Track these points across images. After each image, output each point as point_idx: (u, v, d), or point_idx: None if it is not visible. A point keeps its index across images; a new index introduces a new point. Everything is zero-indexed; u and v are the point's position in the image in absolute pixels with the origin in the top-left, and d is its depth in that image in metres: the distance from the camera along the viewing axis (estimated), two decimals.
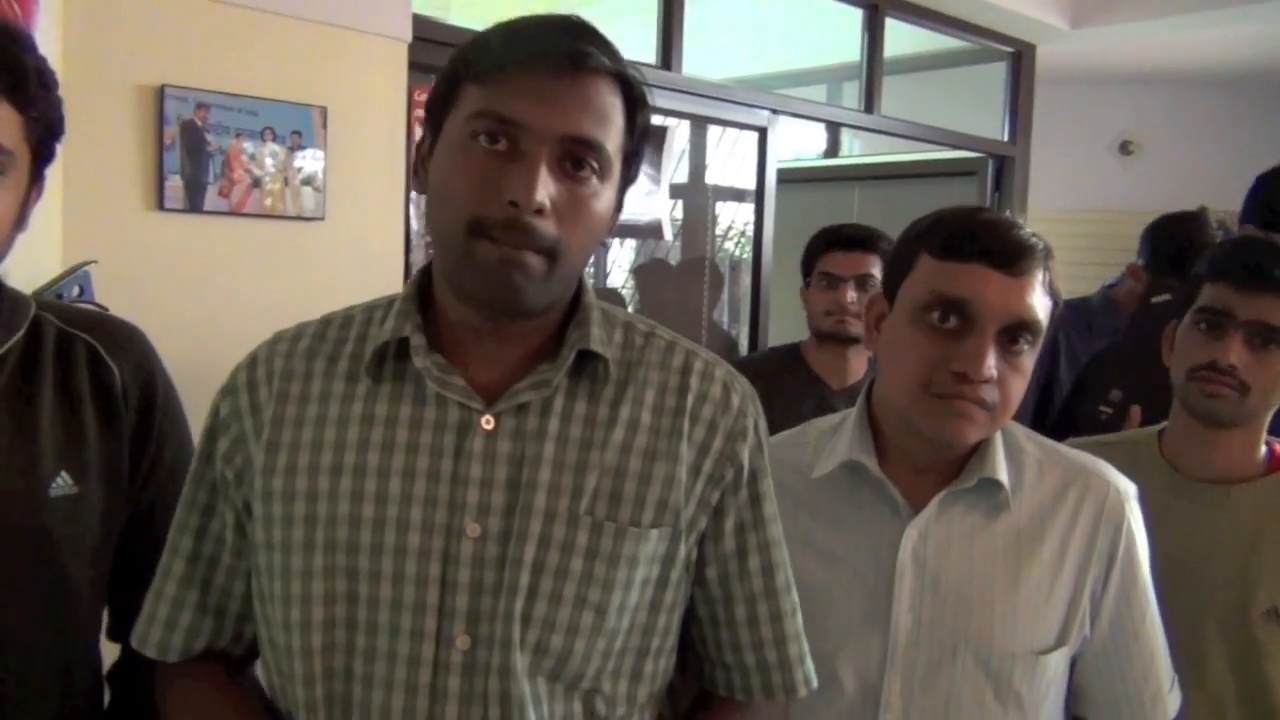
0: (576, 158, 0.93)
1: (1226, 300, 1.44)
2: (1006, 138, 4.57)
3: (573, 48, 0.92)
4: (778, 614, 1.07)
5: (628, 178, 1.01)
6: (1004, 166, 4.57)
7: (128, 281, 1.95)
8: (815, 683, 1.10)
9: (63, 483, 1.13)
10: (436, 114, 0.97)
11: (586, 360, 1.00)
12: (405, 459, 0.97)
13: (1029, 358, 1.20)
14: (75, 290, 1.79)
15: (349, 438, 0.98)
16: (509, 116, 0.91)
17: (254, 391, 1.03)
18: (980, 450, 1.25)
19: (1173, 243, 2.61)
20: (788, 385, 2.27)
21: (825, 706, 1.21)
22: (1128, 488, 1.29)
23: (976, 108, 4.76)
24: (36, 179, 1.14)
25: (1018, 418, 2.45)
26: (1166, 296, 2.13)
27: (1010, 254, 1.16)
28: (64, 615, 1.17)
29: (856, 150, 5.92)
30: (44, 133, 1.12)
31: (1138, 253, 2.80)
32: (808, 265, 2.41)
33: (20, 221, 1.13)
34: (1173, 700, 1.30)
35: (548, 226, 0.92)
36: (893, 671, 1.21)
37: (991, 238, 1.17)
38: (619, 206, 1.01)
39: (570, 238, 0.94)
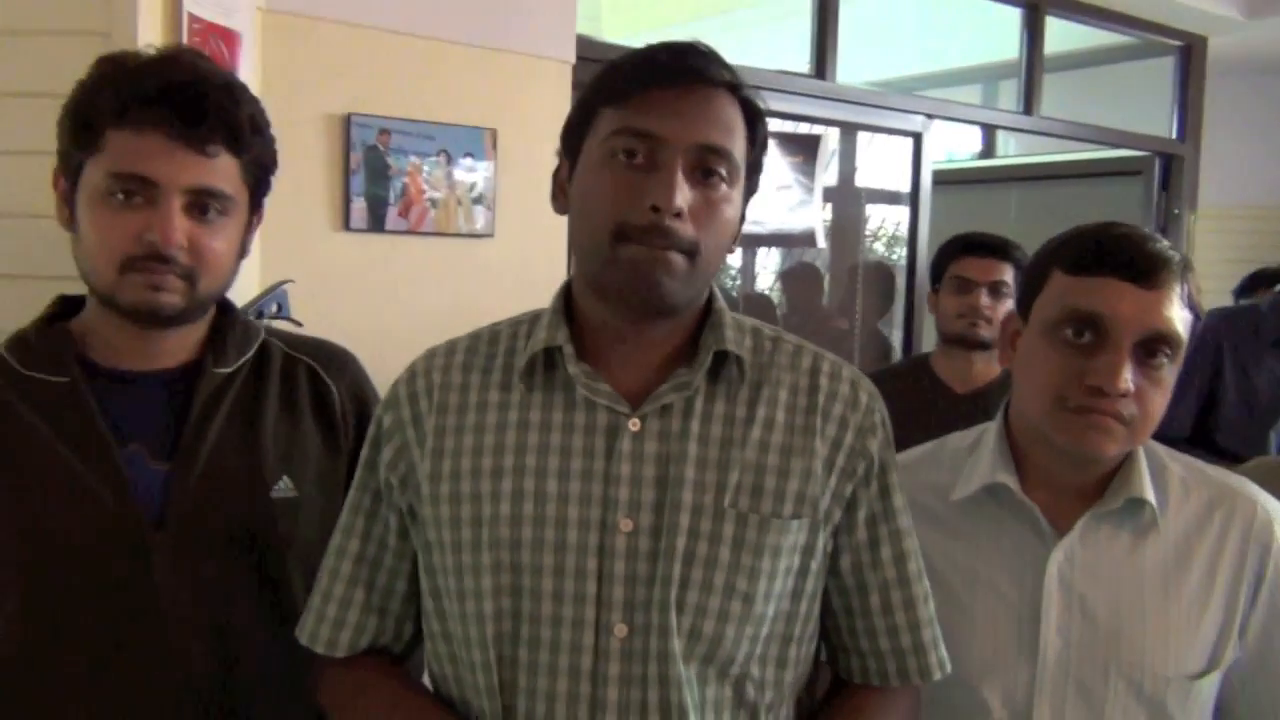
0: (707, 166, 1.00)
1: None
2: (1175, 135, 4.39)
3: (697, 66, 1.00)
4: (910, 600, 1.11)
5: (751, 188, 1.08)
6: (1171, 165, 4.40)
7: (318, 298, 2.09)
8: (949, 667, 1.13)
9: (284, 487, 1.24)
10: (573, 140, 1.05)
11: (722, 362, 1.06)
12: (560, 460, 1.03)
13: (1169, 372, 1.18)
14: (274, 307, 1.94)
15: (507, 442, 1.05)
16: (645, 130, 0.98)
17: (415, 404, 1.11)
18: (1124, 469, 1.24)
19: None
20: (911, 390, 2.26)
21: None
22: (1276, 507, 1.26)
23: (1142, 104, 4.59)
24: (255, 209, 1.26)
25: (1175, 428, 2.35)
26: None
27: (1145, 267, 1.16)
28: (285, 615, 1.28)
29: (1013, 149, 5.77)
30: (260, 171, 1.23)
31: None
32: (938, 270, 2.40)
33: (242, 253, 1.25)
34: None
35: (686, 228, 0.99)
36: (1042, 697, 1.20)
37: (1124, 251, 1.17)
38: (743, 216, 1.08)
39: (706, 239, 1.00)
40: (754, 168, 1.08)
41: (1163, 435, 2.09)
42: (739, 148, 1.03)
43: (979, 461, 1.28)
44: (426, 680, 1.17)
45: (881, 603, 1.11)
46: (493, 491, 1.05)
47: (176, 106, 1.13)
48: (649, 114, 0.99)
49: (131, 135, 1.13)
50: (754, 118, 1.06)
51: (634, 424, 1.04)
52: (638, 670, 1.01)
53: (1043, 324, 1.22)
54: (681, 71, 1.00)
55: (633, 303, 1.02)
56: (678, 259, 0.99)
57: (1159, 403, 1.19)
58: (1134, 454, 1.25)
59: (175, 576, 1.17)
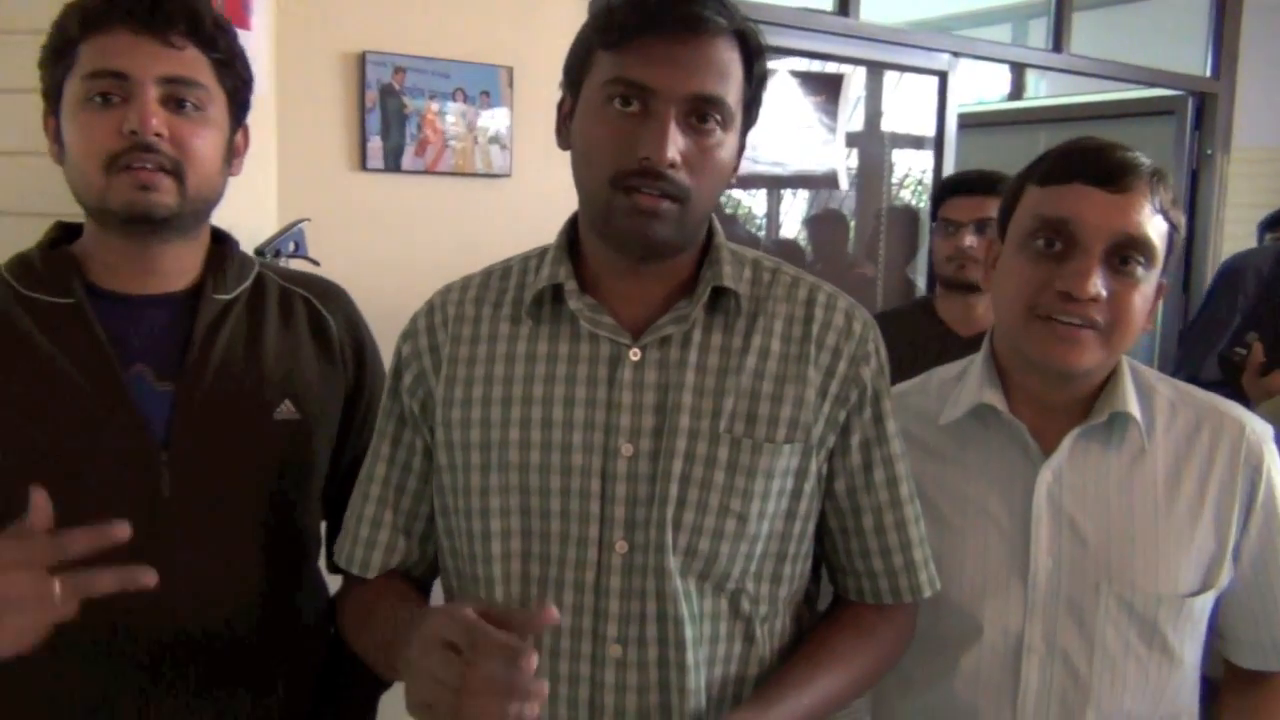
0: (701, 113, 1.04)
1: None
2: (1209, 73, 4.29)
3: (690, 12, 1.02)
4: (902, 522, 1.16)
5: (749, 122, 1.11)
6: (1205, 104, 4.30)
7: (335, 236, 2.09)
8: (939, 585, 1.18)
9: (287, 409, 1.27)
10: (574, 77, 1.09)
11: (720, 296, 1.12)
12: (565, 389, 1.10)
13: (1147, 280, 1.18)
14: (291, 246, 1.95)
15: (515, 373, 1.11)
16: (639, 81, 1.02)
17: (432, 334, 1.17)
18: (1109, 385, 1.24)
19: None
20: (915, 332, 2.24)
21: (969, 654, 1.24)
22: (1265, 429, 1.26)
23: (1176, 41, 4.49)
24: (238, 126, 1.26)
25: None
26: None
27: (1112, 171, 1.16)
28: (288, 539, 1.30)
29: (1043, 91, 5.67)
30: (235, 80, 1.24)
31: None
32: (934, 212, 2.38)
33: (229, 163, 1.26)
34: None
35: (680, 176, 1.04)
36: (1034, 616, 1.22)
37: (1092, 157, 1.18)
38: (742, 149, 1.11)
39: (699, 184, 1.05)
40: (752, 104, 1.10)
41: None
42: (734, 92, 1.06)
43: (966, 386, 1.30)
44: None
45: (874, 524, 1.16)
46: (503, 418, 1.11)
47: (137, 3, 1.17)
48: (643, 65, 1.02)
49: (99, 38, 1.17)
50: (752, 55, 1.08)
51: (635, 354, 1.10)
52: (637, 584, 1.08)
53: (1016, 238, 1.23)
54: (675, 20, 1.02)
55: (629, 246, 1.08)
56: (670, 207, 1.04)
57: (1136, 310, 1.18)
58: (1119, 371, 1.25)
59: (184, 494, 1.21)
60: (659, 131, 1.02)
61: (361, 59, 2.12)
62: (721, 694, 1.11)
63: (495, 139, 2.31)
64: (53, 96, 1.21)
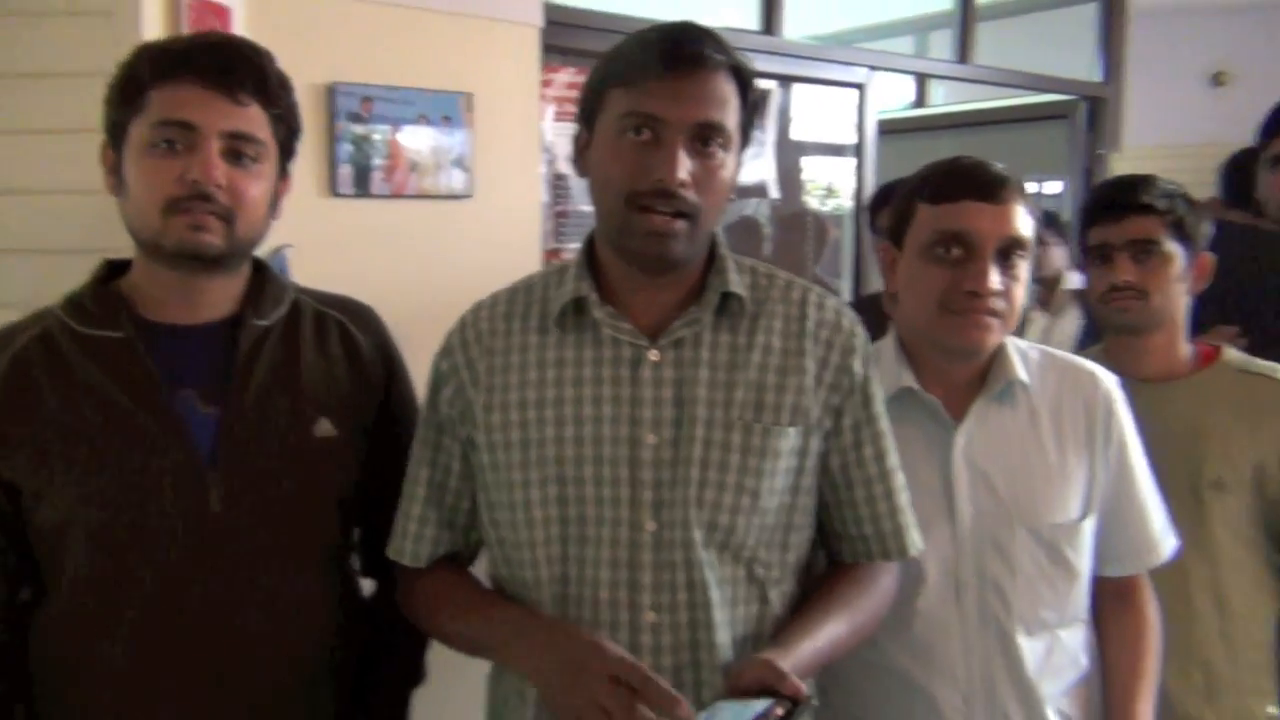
0: (705, 138, 1.18)
1: (1104, 235, 1.72)
2: (1100, 78, 4.59)
3: (693, 51, 1.17)
4: (890, 491, 1.33)
5: (744, 143, 1.26)
6: (1096, 107, 4.60)
7: (312, 261, 2.16)
8: (923, 545, 1.36)
9: (324, 427, 1.36)
10: (589, 113, 1.23)
11: (726, 300, 1.26)
12: (593, 389, 1.23)
13: (1025, 269, 1.43)
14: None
15: (547, 378, 1.25)
16: (650, 113, 1.17)
17: (467, 350, 1.30)
18: (998, 360, 1.49)
19: (1236, 176, 2.66)
20: (878, 330, 2.42)
21: (917, 594, 1.44)
22: (1110, 378, 1.53)
23: (1069, 49, 4.78)
24: (283, 173, 1.36)
25: None
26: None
27: (992, 187, 1.40)
28: (328, 546, 1.40)
29: (941, 98, 5.96)
30: (286, 132, 1.34)
31: (1217, 186, 2.87)
32: (872, 221, 2.57)
33: (273, 209, 1.36)
34: (1166, 545, 1.56)
35: (689, 195, 1.17)
36: (964, 554, 1.45)
37: (974, 176, 1.42)
38: (739, 166, 1.25)
39: (706, 201, 1.19)
40: (747, 127, 1.25)
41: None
42: (733, 118, 1.21)
43: (882, 373, 1.48)
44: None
45: (866, 495, 1.32)
46: (538, 419, 1.24)
47: (210, 61, 1.25)
48: (653, 98, 1.17)
49: (171, 88, 1.25)
50: (746, 85, 1.22)
51: (654, 355, 1.23)
52: (666, 556, 1.21)
53: (918, 248, 1.46)
54: (680, 59, 1.17)
55: (646, 263, 1.22)
56: (681, 224, 1.18)
57: (1021, 295, 1.44)
58: (1003, 347, 1.50)
59: (231, 510, 1.29)
60: (670, 156, 1.16)
61: (331, 90, 2.21)
62: (741, 650, 1.24)
63: (457, 162, 2.41)
64: (116, 133, 1.28)
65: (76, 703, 1.29)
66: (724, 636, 1.23)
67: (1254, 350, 1.83)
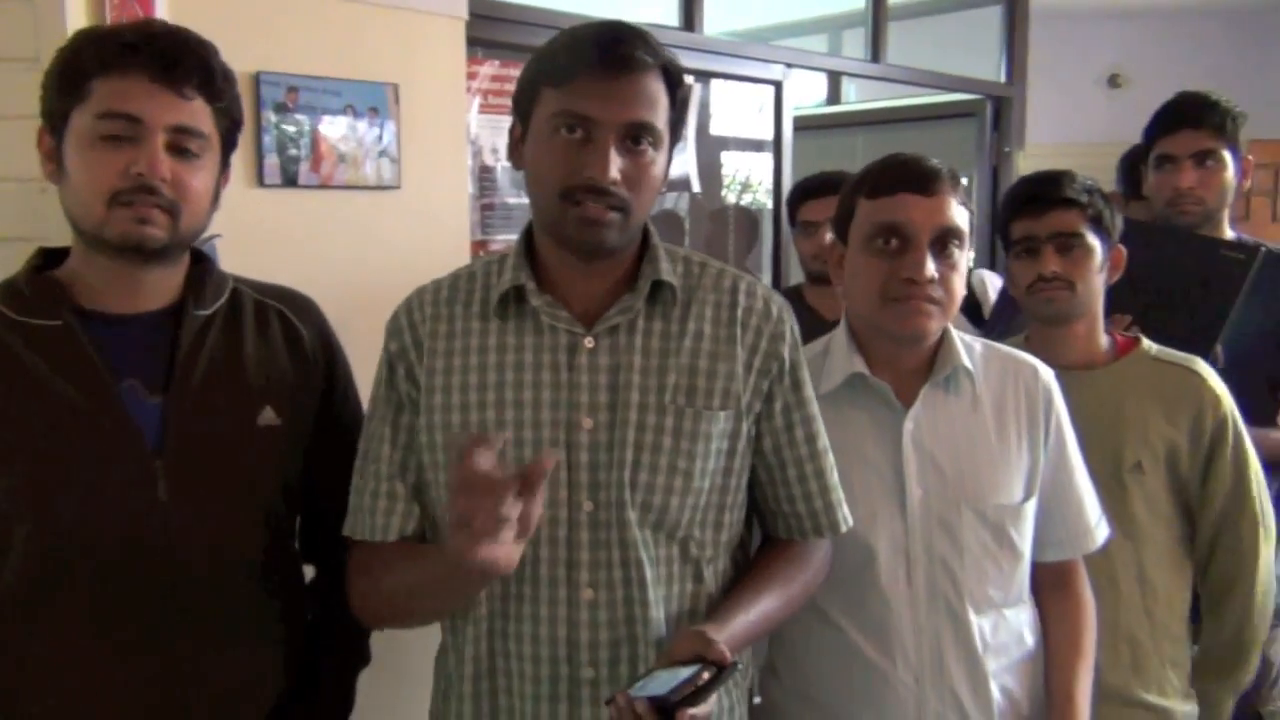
0: (635, 136, 1.23)
1: (1029, 228, 1.80)
2: (1004, 78, 4.76)
3: (623, 54, 1.21)
4: (820, 470, 1.39)
5: (674, 140, 1.32)
6: (1001, 107, 4.77)
7: (238, 252, 2.15)
8: (852, 521, 1.42)
9: (268, 416, 1.38)
10: (523, 109, 1.28)
11: (658, 288, 1.31)
12: (531, 375, 1.28)
13: (961, 258, 1.51)
14: None
15: (488, 363, 1.29)
16: (582, 113, 1.22)
17: (414, 330, 1.33)
18: (943, 348, 1.56)
19: (1132, 171, 2.80)
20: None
21: (869, 571, 1.51)
22: (1049, 370, 1.62)
23: (975, 50, 4.95)
24: (225, 165, 1.38)
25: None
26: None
27: (925, 180, 1.48)
28: (271, 531, 1.42)
29: (854, 96, 6.10)
30: (229, 125, 1.36)
31: (1116, 181, 3.03)
32: (791, 216, 2.65)
33: (215, 200, 1.37)
34: (1100, 532, 1.65)
35: (620, 190, 1.23)
36: (914, 534, 1.52)
37: (908, 171, 1.49)
38: (670, 161, 1.33)
39: (637, 196, 1.25)
40: (676, 124, 1.31)
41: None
42: (662, 117, 1.26)
43: (834, 361, 1.57)
44: None
45: (798, 474, 1.38)
46: (479, 402, 1.27)
47: (157, 54, 1.26)
48: (584, 99, 1.21)
49: (117, 80, 1.25)
50: (675, 85, 1.28)
51: (589, 342, 1.28)
52: (603, 536, 1.26)
53: (859, 242, 1.54)
54: (611, 61, 1.21)
55: (580, 250, 1.26)
56: (613, 215, 1.23)
57: (958, 284, 1.52)
58: (947, 335, 1.58)
59: (179, 499, 1.30)
60: (601, 155, 1.21)
61: (256, 79, 2.20)
62: (677, 625, 1.30)
63: (384, 153, 2.42)
64: (55, 120, 1.27)
65: (23, 688, 1.29)
66: (659, 613, 1.28)
67: (1156, 338, 1.94)
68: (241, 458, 1.36)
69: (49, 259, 1.36)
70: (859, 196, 1.54)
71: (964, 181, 1.55)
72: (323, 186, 2.33)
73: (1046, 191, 1.80)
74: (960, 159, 5.08)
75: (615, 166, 1.21)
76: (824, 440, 1.41)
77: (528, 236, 1.35)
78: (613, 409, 1.27)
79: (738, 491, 1.36)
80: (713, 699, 1.11)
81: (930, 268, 1.46)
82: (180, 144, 1.28)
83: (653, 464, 1.27)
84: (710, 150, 4.53)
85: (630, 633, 1.28)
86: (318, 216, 2.34)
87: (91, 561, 1.28)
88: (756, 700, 1.69)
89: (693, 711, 1.08)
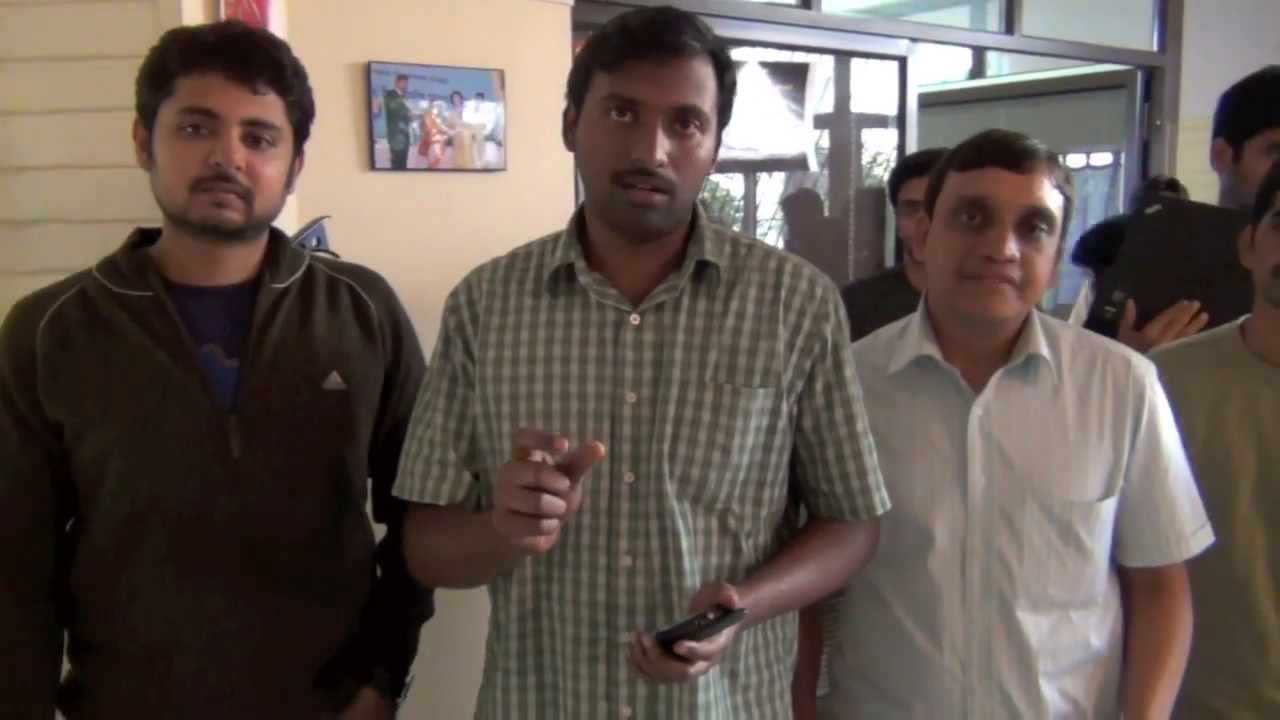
0: (683, 120, 1.26)
1: None
2: (1156, 47, 4.52)
3: (671, 39, 1.25)
4: (858, 452, 1.39)
5: (723, 122, 1.34)
6: (1153, 77, 4.53)
7: (349, 233, 2.29)
8: (889, 505, 1.41)
9: (334, 380, 1.49)
10: (577, 92, 1.32)
11: (703, 268, 1.34)
12: (579, 349, 1.33)
13: (1049, 243, 1.44)
14: (314, 241, 2.15)
15: (538, 338, 1.34)
16: (630, 96, 1.25)
17: (472, 307, 1.40)
18: (1023, 333, 1.49)
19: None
20: (892, 301, 2.45)
21: (926, 558, 1.49)
22: (1147, 366, 1.53)
23: (1124, 18, 4.71)
24: (298, 152, 1.48)
25: None
26: (1157, 207, 2.15)
27: (1016, 156, 1.42)
28: (340, 489, 1.52)
29: (1005, 69, 5.90)
30: (301, 115, 1.46)
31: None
32: (893, 195, 2.59)
33: (288, 185, 1.48)
34: (1196, 541, 1.53)
35: (667, 173, 1.26)
36: (973, 525, 1.47)
37: (1000, 145, 1.43)
38: (718, 144, 1.34)
39: (684, 179, 1.28)
40: (724, 107, 1.33)
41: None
42: (709, 100, 1.29)
43: (907, 341, 1.54)
44: None
45: (835, 454, 1.38)
46: (528, 374, 1.34)
47: (232, 53, 1.37)
48: (634, 83, 1.25)
49: (197, 78, 1.37)
50: (723, 69, 1.30)
51: (635, 319, 1.32)
52: (642, 506, 1.31)
53: (942, 215, 1.48)
54: (659, 46, 1.25)
55: (628, 232, 1.30)
56: (661, 198, 1.26)
57: (1043, 268, 1.45)
58: (1030, 320, 1.50)
59: (250, 454, 1.42)
60: (649, 138, 1.24)
61: (367, 68, 2.32)
62: None
63: (490, 136, 2.51)
64: (147, 114, 1.41)
65: (111, 627, 1.43)
66: (694, 581, 1.32)
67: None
68: (308, 418, 1.47)
69: (145, 238, 1.50)
70: (950, 169, 1.49)
71: (1078, 160, 1.48)
72: (431, 170, 2.44)
73: None
74: (1109, 133, 4.86)
75: (662, 149, 1.24)
76: (863, 422, 1.41)
77: (579, 217, 1.40)
78: (655, 384, 1.31)
79: (778, 469, 1.38)
80: (721, 637, 1.17)
81: (1011, 247, 1.40)
82: (255, 135, 1.39)
83: (692, 438, 1.31)
84: (844, 128, 4.47)
85: (666, 599, 1.31)
86: (425, 199, 2.45)
87: (170, 514, 1.41)
88: (822, 692, 1.70)
89: (690, 644, 1.13)
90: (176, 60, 1.38)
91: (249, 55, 1.38)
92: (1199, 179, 4.54)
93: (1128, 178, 4.66)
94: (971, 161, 1.45)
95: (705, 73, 1.28)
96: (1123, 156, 4.69)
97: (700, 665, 1.16)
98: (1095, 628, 1.52)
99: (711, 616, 1.16)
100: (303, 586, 1.47)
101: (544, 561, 1.34)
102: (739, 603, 1.19)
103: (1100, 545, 1.50)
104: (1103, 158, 5.06)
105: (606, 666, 1.33)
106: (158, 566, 1.41)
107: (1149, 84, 4.54)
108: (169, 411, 1.40)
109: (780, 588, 1.31)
